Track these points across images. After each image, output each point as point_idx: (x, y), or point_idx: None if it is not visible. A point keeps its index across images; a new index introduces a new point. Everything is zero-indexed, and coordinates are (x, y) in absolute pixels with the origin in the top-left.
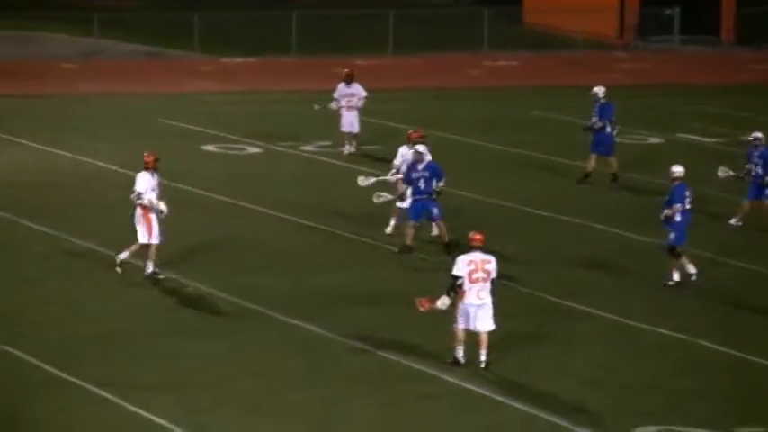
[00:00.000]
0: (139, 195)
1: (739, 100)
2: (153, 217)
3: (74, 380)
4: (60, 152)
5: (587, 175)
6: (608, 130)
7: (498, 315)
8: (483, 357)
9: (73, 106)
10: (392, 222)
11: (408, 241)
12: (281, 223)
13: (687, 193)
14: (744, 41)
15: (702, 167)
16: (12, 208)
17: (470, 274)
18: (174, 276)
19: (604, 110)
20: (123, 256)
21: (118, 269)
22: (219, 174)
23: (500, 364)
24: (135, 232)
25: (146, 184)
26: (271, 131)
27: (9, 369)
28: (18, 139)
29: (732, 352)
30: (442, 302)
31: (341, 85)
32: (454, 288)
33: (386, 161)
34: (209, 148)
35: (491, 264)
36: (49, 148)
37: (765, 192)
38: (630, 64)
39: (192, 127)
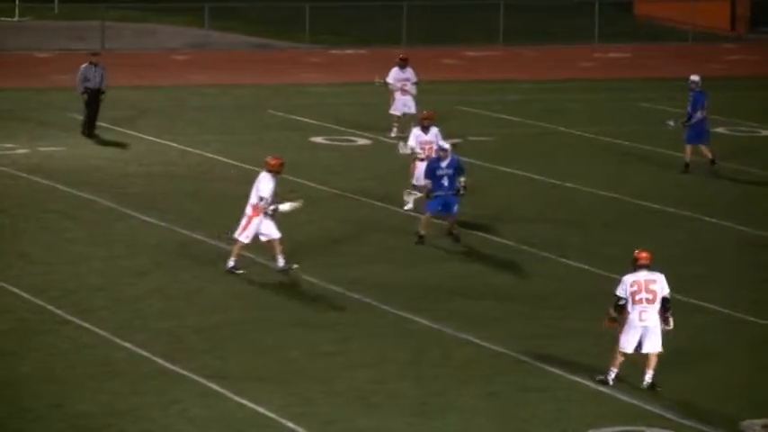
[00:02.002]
0: (262, 199)
1: None
2: (255, 219)
3: (183, 372)
4: (171, 143)
5: (713, 161)
6: (698, 118)
7: None
8: (647, 378)
9: (183, 97)
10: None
11: (422, 231)
12: (390, 215)
13: None
14: None
15: None
16: (123, 199)
17: (633, 294)
18: (286, 268)
19: (698, 99)
20: (280, 262)
21: (294, 266)
22: (328, 165)
23: (607, 357)
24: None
25: (269, 188)
26: (380, 123)
27: (120, 361)
28: (129, 131)
29: None
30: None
31: (395, 70)
32: (617, 307)
33: (497, 152)
34: (318, 139)
35: (657, 284)
36: (159, 140)
37: None
38: (741, 55)
39: (300, 118)
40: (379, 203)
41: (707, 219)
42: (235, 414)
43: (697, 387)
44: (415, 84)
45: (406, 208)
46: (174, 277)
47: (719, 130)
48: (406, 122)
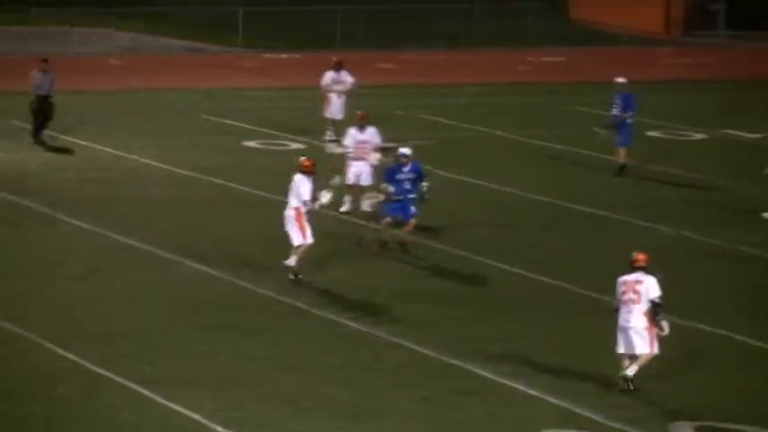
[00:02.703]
0: (306, 203)
1: None
2: (304, 220)
3: (114, 377)
4: (104, 148)
5: (623, 167)
6: (628, 121)
7: (546, 312)
8: (629, 371)
9: (117, 102)
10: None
11: (384, 238)
12: (324, 219)
13: None
14: None
15: (746, 163)
16: (57, 204)
17: (622, 295)
18: (215, 273)
19: (627, 100)
20: (291, 262)
21: (291, 276)
22: (261, 170)
23: (543, 359)
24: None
25: (308, 189)
26: (314, 127)
27: (51, 366)
28: (63, 136)
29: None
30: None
31: (330, 73)
32: (615, 310)
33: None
34: (252, 143)
35: (642, 285)
36: (93, 144)
37: None
38: (675, 59)
39: (234, 123)
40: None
41: (639, 222)
42: (166, 420)
43: (627, 389)
44: (350, 87)
45: (320, 203)
46: (108, 283)
47: (654, 133)
48: (341, 125)
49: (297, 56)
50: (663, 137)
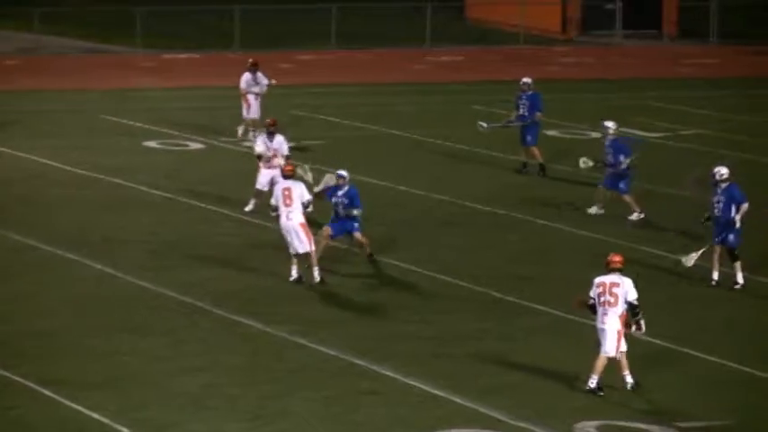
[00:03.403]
0: (306, 203)
1: (681, 94)
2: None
3: (15, 378)
4: (2, 149)
5: (533, 166)
6: (537, 120)
7: (447, 312)
8: (628, 380)
9: (14, 103)
10: (252, 201)
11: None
12: (224, 219)
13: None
14: (685, 35)
15: (644, 161)
16: None
17: (598, 296)
18: (115, 273)
19: (534, 100)
20: (295, 273)
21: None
22: (161, 170)
23: (448, 358)
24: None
25: (306, 192)
26: (213, 127)
27: None
28: None
29: (669, 345)
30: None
31: (246, 75)
32: (590, 308)
33: (327, 156)
34: (152, 144)
35: (620, 287)
36: None
37: (619, 184)
38: (573, 58)
39: (134, 123)
40: (213, 207)
41: (539, 221)
42: (70, 420)
43: (532, 389)
44: (267, 87)
45: (246, 209)
46: (7, 282)
47: (552, 132)
48: (253, 126)
49: (196, 56)
50: (561, 136)
